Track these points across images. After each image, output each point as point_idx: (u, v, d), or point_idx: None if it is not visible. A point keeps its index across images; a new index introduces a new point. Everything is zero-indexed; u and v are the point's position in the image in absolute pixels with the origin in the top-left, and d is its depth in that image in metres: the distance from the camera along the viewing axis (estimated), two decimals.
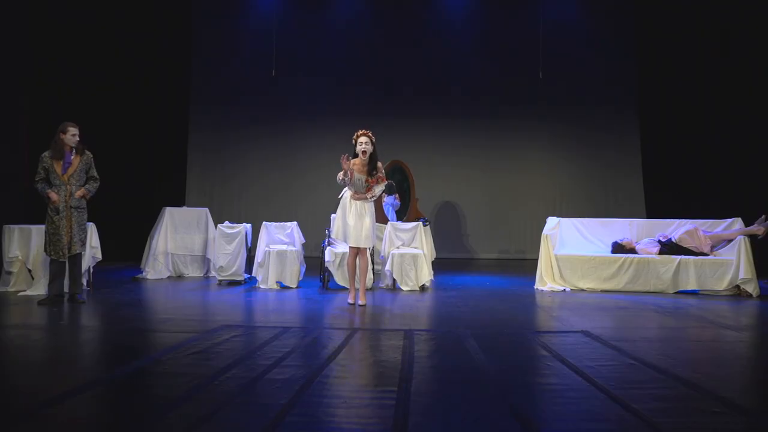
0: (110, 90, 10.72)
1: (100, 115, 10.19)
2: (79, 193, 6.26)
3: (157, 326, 5.21)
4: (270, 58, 11.57)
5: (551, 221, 8.05)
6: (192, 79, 12.06)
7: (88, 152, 6.36)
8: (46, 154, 6.22)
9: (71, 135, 6.23)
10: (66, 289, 6.41)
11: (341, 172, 6.13)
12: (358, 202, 6.23)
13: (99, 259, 7.43)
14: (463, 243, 12.21)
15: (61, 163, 6.21)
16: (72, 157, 6.27)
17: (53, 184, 6.19)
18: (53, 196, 6.15)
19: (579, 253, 7.71)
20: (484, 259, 11.97)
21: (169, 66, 11.39)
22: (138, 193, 10.79)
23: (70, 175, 6.23)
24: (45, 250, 6.28)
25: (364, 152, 6.15)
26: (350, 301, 6.30)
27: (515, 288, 7.76)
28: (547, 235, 7.74)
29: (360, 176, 6.19)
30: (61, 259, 6.23)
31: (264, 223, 7.86)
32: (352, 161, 6.20)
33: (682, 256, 7.41)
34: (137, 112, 11.03)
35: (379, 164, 6.30)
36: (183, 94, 11.85)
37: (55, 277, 6.24)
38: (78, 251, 6.31)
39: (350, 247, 6.31)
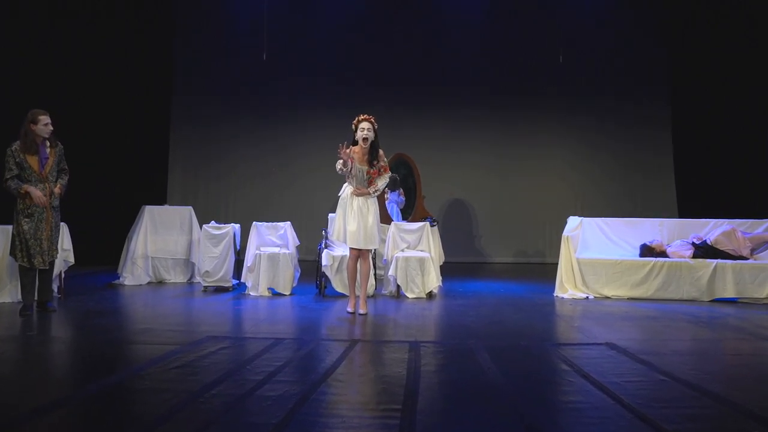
0: (83, 78, 10.70)
1: (71, 105, 10.17)
2: (56, 190, 6.13)
3: (136, 337, 5.21)
4: (261, 42, 11.55)
5: (572, 221, 8.04)
6: (174, 65, 12.03)
7: (59, 143, 6.25)
8: (16, 146, 6.00)
9: (43, 125, 6.02)
10: (35, 296, 6.36)
11: (340, 161, 6.12)
12: (359, 198, 6.23)
13: (71, 263, 7.44)
14: (474, 245, 12.20)
15: (37, 158, 6.01)
16: (47, 150, 6.10)
17: (28, 181, 6.01)
18: (36, 192, 5.94)
19: (603, 257, 7.69)
20: (498, 263, 11.96)
21: (150, 49, 11.37)
22: (115, 191, 10.78)
23: (49, 171, 6.08)
24: (16, 258, 6.06)
25: (365, 139, 6.15)
26: (350, 309, 6.31)
27: (532, 295, 7.76)
28: (567, 236, 7.73)
29: (361, 167, 6.18)
30: (42, 267, 6.09)
31: (254, 223, 7.86)
32: (352, 149, 6.20)
33: (719, 260, 7.39)
34: (114, 102, 11.01)
35: (381, 152, 6.29)
36: (164, 81, 11.83)
37: (31, 285, 6.12)
38: (55, 257, 6.27)
39: (351, 249, 6.31)
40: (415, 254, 7.58)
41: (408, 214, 10.43)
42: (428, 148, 12.03)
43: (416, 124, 12.17)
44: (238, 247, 8.20)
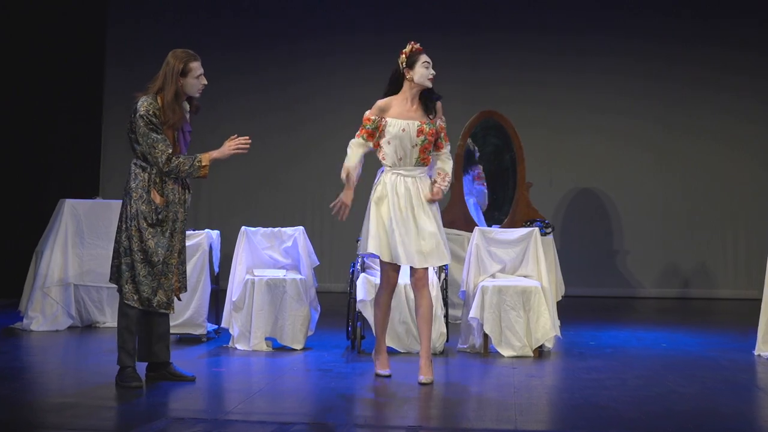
0: None
1: None
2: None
3: (51, 419, 5.28)
4: None
5: None
6: None
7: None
8: (150, 107, 5.85)
9: (195, 77, 5.96)
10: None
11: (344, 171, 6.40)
12: (407, 179, 6.28)
13: None
14: (616, 269, 12.13)
15: (174, 133, 5.95)
16: (188, 118, 6.10)
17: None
18: (233, 148, 6.11)
19: None
20: (654, 298, 11.90)
21: None
22: (17, 179, 10.89)
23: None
24: (125, 296, 5.84)
25: (431, 79, 6.23)
26: (382, 371, 6.40)
27: (716, 353, 7.72)
28: None
29: (405, 122, 6.20)
30: (164, 310, 5.97)
31: (244, 228, 7.92)
32: (386, 101, 6.27)
33: None
34: (16, 45, 11.11)
35: (439, 105, 6.36)
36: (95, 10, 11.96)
37: (135, 337, 6.02)
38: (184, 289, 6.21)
39: (382, 267, 6.43)
40: (515, 282, 7.57)
41: (503, 214, 10.36)
42: (536, 104, 12.04)
43: (513, 64, 12.16)
44: (216, 270, 8.28)
